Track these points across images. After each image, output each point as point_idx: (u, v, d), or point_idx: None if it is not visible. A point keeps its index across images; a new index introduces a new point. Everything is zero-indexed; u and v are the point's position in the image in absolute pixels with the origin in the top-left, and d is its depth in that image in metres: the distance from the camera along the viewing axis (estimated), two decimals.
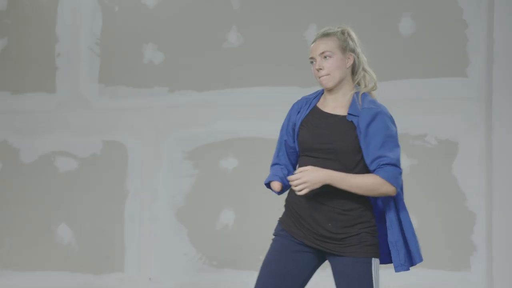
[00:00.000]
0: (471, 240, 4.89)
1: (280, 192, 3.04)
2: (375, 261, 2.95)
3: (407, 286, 4.92)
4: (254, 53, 5.30)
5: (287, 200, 3.03)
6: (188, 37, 5.41)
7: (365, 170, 2.92)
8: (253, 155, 5.20)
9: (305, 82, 5.20)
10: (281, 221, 3.04)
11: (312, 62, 3.02)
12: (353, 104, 2.94)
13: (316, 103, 3.02)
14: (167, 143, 5.40)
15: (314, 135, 2.94)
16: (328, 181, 2.84)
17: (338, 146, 2.90)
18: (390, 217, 2.98)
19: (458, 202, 4.92)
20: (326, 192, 2.89)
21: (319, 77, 2.98)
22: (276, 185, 3.00)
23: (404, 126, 5.08)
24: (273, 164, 3.10)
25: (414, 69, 5.05)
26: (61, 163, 5.55)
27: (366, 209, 2.95)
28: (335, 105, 2.98)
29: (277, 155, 3.09)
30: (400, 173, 2.89)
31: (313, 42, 3.05)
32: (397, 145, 2.91)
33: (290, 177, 2.89)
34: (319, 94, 3.07)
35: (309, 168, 2.86)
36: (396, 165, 2.87)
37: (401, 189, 3.00)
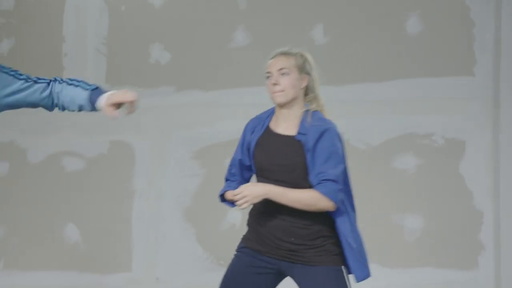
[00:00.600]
0: (478, 239, 4.88)
1: (233, 204, 3.09)
2: (345, 270, 3.02)
3: (415, 285, 4.91)
4: (261, 53, 5.28)
5: (248, 219, 3.11)
6: (195, 36, 5.41)
7: None
8: None
9: None
10: (244, 238, 3.13)
11: (268, 77, 3.08)
12: (302, 122, 3.00)
13: (269, 123, 3.09)
14: (174, 143, 5.41)
15: (268, 157, 3.01)
16: (268, 195, 2.92)
17: (289, 166, 2.96)
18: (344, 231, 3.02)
19: (466, 201, 4.91)
20: (286, 208, 2.95)
21: (273, 92, 3.04)
22: (230, 194, 3.09)
23: (411, 125, 5.08)
24: (226, 180, 3.22)
25: (421, 68, 5.04)
26: (68, 163, 5.56)
27: (327, 222, 3.00)
28: (286, 125, 3.03)
29: (230, 171, 3.20)
30: (340, 189, 2.92)
31: (271, 58, 3.11)
32: (340, 162, 2.95)
33: (232, 192, 3.00)
34: (271, 114, 3.12)
35: (250, 183, 3.00)
36: (335, 181, 2.90)
37: (352, 206, 3.05)
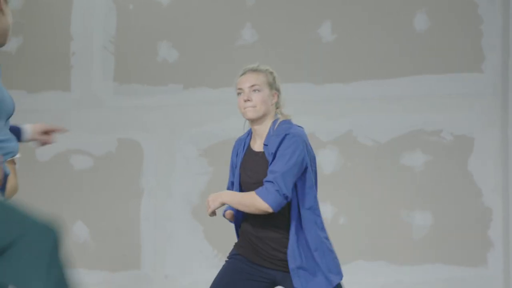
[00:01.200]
0: (487, 236, 4.86)
1: (232, 221, 3.21)
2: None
3: (425, 282, 4.91)
4: (268, 50, 5.30)
5: (242, 229, 3.14)
6: (202, 34, 5.41)
7: (301, 201, 2.98)
8: None
9: (319, 80, 5.19)
10: (236, 246, 3.17)
11: (239, 93, 3.10)
12: (268, 134, 3.03)
13: (249, 142, 3.12)
14: (182, 141, 5.41)
15: (247, 176, 3.06)
16: (223, 199, 3.01)
17: (261, 181, 2.98)
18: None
19: (474, 198, 4.90)
20: (278, 220, 2.99)
21: (244, 108, 3.06)
22: (229, 214, 3.19)
23: (419, 122, 5.07)
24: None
25: (429, 65, 5.03)
26: (76, 161, 5.57)
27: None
28: (261, 142, 3.06)
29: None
30: (276, 190, 2.89)
31: (242, 75, 3.13)
32: (287, 164, 2.91)
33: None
34: (250, 133, 3.15)
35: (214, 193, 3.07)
36: (273, 182, 2.89)
37: (312, 209, 3.00)
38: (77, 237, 5.52)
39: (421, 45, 5.05)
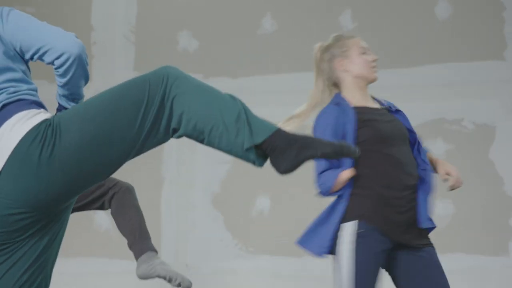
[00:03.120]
0: (510, 224, 4.84)
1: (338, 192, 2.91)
2: None
3: (445, 272, 4.89)
4: (289, 39, 5.29)
5: (378, 194, 2.86)
6: (223, 24, 5.41)
7: None
8: None
9: None
10: (368, 217, 2.85)
11: (364, 53, 3.06)
12: (378, 100, 3.10)
13: (349, 105, 2.99)
14: None
15: (389, 126, 2.95)
16: None
17: (406, 132, 3.00)
18: None
19: (496, 186, 4.87)
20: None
21: (373, 67, 3.04)
22: (348, 172, 2.88)
23: (440, 110, 5.04)
24: (322, 172, 2.95)
25: (451, 53, 4.99)
26: None
27: None
28: (371, 101, 3.07)
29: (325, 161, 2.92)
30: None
31: (355, 38, 3.12)
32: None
33: (452, 171, 3.00)
34: (339, 99, 3.02)
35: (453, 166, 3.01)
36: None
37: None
38: (99, 226, 5.55)
39: (442, 33, 5.01)
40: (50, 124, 2.14)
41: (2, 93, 2.22)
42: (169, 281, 3.34)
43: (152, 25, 5.55)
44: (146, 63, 5.55)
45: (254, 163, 2.12)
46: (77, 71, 2.41)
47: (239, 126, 2.08)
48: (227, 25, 5.40)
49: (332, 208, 2.91)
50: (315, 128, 2.98)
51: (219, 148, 2.14)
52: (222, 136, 2.10)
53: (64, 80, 2.41)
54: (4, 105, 2.18)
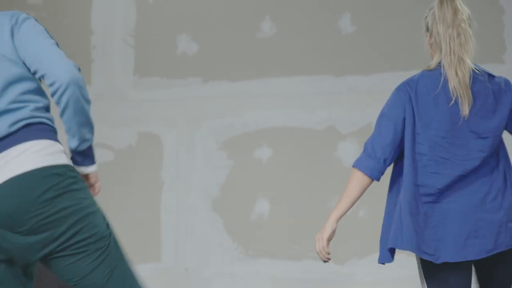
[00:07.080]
0: None
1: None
2: None
3: None
4: (288, 42, 5.29)
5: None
6: (222, 27, 5.41)
7: None
8: (288, 145, 5.19)
9: (339, 71, 5.17)
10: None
11: None
12: None
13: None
14: (201, 134, 5.42)
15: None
16: None
17: None
18: None
19: None
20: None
21: None
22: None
23: None
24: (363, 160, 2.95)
25: None
26: (97, 154, 5.56)
27: None
28: None
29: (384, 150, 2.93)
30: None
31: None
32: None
33: None
34: (419, 76, 2.99)
35: None
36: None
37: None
38: None
39: None
40: (75, 182, 2.36)
41: (22, 107, 2.21)
42: None
43: (151, 29, 5.55)
44: (145, 67, 5.55)
45: None
46: (70, 103, 2.34)
47: None
48: (226, 29, 5.40)
49: None
50: None
51: None
52: None
53: (59, 109, 2.36)
54: (27, 125, 2.17)
